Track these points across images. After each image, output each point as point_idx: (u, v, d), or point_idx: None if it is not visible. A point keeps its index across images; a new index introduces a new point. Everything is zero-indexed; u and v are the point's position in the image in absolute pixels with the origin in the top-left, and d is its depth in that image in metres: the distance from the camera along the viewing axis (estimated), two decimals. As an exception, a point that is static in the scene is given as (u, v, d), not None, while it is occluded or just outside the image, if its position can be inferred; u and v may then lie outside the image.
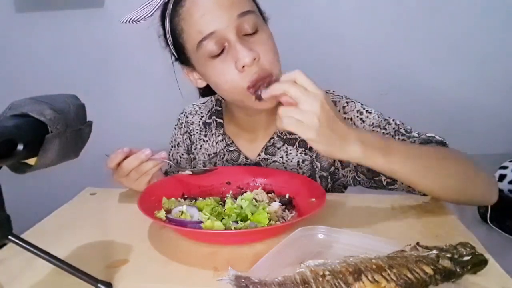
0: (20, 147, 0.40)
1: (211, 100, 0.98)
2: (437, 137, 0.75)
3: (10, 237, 0.43)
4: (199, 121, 0.97)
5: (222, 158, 0.91)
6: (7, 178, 0.44)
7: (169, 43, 0.79)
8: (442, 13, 1.99)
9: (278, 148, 0.87)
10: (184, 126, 0.99)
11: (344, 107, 0.84)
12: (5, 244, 0.43)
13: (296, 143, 0.87)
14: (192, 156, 0.98)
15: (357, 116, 0.82)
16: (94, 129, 0.52)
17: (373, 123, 0.80)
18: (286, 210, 0.70)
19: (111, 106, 2.19)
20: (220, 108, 0.94)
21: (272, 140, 0.87)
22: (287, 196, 0.74)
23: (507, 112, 2.08)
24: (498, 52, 2.00)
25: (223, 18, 0.69)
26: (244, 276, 0.43)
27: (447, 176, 0.68)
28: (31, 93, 0.49)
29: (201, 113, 0.97)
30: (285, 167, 0.87)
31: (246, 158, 0.89)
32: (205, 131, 0.95)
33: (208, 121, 0.95)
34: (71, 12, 2.14)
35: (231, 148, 0.90)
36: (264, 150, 0.88)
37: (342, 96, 0.87)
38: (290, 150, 0.87)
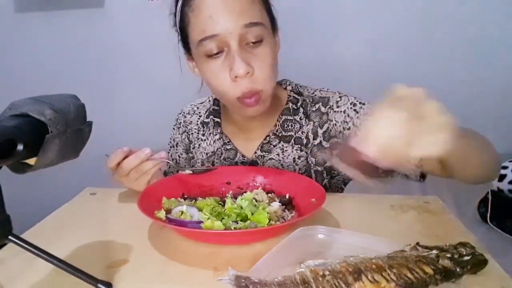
0: (20, 147, 0.40)
1: (209, 100, 0.99)
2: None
3: (10, 237, 0.43)
4: (197, 121, 0.97)
5: (220, 156, 0.92)
6: (7, 178, 0.44)
7: (177, 26, 0.80)
8: (442, 13, 1.99)
9: (274, 146, 0.88)
10: (183, 125, 0.99)
11: (337, 102, 0.85)
12: (5, 244, 0.43)
13: (292, 140, 0.87)
14: (190, 155, 0.98)
15: (351, 108, 0.83)
16: (94, 129, 0.52)
17: (367, 113, 0.80)
18: (286, 210, 0.70)
19: (111, 106, 2.18)
20: (217, 108, 0.95)
21: (268, 138, 0.88)
22: (287, 196, 0.74)
23: (507, 112, 2.08)
24: (498, 51, 2.00)
25: (229, 24, 0.70)
26: (244, 276, 0.43)
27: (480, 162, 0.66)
28: (31, 93, 0.49)
29: (199, 112, 0.98)
30: (281, 164, 0.87)
31: (243, 156, 0.90)
32: (203, 130, 0.96)
33: (206, 120, 0.96)
34: (71, 12, 2.13)
35: (228, 147, 0.91)
36: (260, 147, 0.88)
37: (335, 92, 0.88)
38: (286, 147, 0.87)
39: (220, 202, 0.72)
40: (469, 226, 0.66)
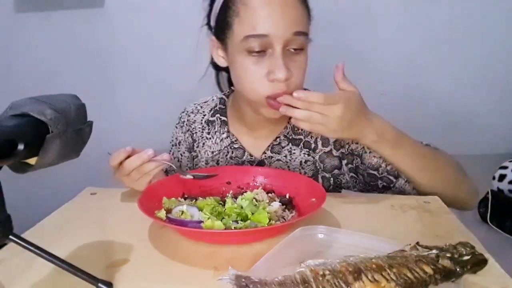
0: (20, 147, 0.40)
1: (213, 99, 0.99)
2: (431, 146, 0.84)
3: (10, 236, 0.43)
4: (201, 120, 0.97)
5: (226, 155, 0.92)
6: (7, 178, 0.44)
7: (213, 13, 0.80)
8: (443, 14, 1.99)
9: (283, 147, 0.89)
10: (186, 124, 0.99)
11: None
12: (5, 244, 0.43)
13: (301, 144, 0.89)
14: (194, 154, 0.99)
15: None
16: (94, 129, 0.52)
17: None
18: (286, 210, 0.70)
19: (111, 106, 2.19)
20: (224, 107, 0.95)
21: (278, 139, 0.89)
22: (287, 196, 0.74)
23: (507, 112, 2.08)
24: (498, 52, 2.00)
25: (281, 28, 0.72)
26: (244, 276, 0.43)
27: (440, 176, 0.79)
28: (31, 93, 0.49)
29: (203, 111, 0.98)
30: (288, 166, 0.88)
31: (251, 155, 0.90)
32: (208, 129, 0.96)
33: (211, 119, 0.96)
34: (71, 12, 2.14)
35: (236, 146, 0.91)
36: (270, 148, 0.89)
37: None
38: (294, 150, 0.89)
39: (221, 202, 0.72)
40: (469, 226, 0.66)
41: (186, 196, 0.77)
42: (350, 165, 0.88)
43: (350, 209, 0.74)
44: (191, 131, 0.98)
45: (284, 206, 0.70)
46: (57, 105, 0.45)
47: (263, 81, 0.74)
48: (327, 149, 0.89)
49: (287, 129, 0.89)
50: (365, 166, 0.84)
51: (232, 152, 0.91)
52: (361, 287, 0.42)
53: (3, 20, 2.19)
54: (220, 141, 0.93)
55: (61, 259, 0.45)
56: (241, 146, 0.91)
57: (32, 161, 0.43)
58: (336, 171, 0.89)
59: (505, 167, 1.69)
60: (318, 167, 0.89)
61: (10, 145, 0.39)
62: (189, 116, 0.99)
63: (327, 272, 0.43)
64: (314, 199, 0.67)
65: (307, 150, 0.89)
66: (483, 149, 2.12)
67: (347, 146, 0.87)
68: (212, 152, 0.94)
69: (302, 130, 0.89)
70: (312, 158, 0.89)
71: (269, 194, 0.74)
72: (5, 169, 0.42)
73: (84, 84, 2.13)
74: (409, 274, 0.43)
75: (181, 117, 1.01)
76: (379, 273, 0.43)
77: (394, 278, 0.43)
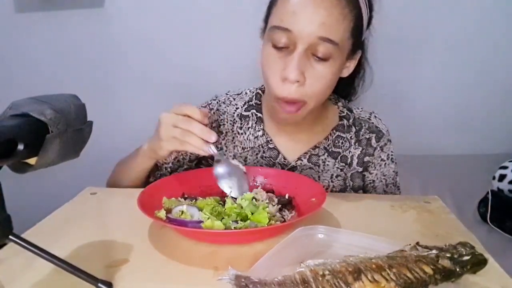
0: (20, 146, 0.40)
1: (246, 93, 0.95)
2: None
3: (10, 236, 0.43)
4: (234, 112, 0.92)
5: (257, 154, 0.89)
6: (7, 178, 0.44)
7: None
8: (443, 14, 1.99)
9: (319, 157, 0.88)
10: (215, 113, 0.94)
11: (385, 144, 0.89)
12: (5, 244, 0.43)
13: (339, 157, 0.88)
14: (217, 144, 0.94)
15: (383, 159, 0.89)
16: (94, 129, 0.52)
17: (386, 174, 0.90)
18: (285, 210, 0.70)
19: (111, 106, 2.18)
20: (259, 102, 0.91)
21: (317, 149, 0.87)
22: (286, 196, 0.74)
23: (506, 112, 2.08)
24: (498, 52, 2.00)
25: (306, 29, 0.68)
26: (244, 276, 0.43)
27: None
28: (31, 93, 0.49)
29: (236, 104, 0.93)
30: (319, 176, 0.88)
31: (285, 158, 0.88)
32: (241, 124, 0.91)
33: (245, 113, 0.91)
34: (71, 12, 2.13)
35: (271, 146, 0.88)
36: (308, 157, 0.87)
37: (387, 128, 0.91)
38: (329, 161, 0.87)
39: (220, 202, 0.72)
40: (469, 226, 0.66)
41: (186, 196, 0.77)
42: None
43: (350, 209, 0.74)
44: (219, 122, 0.93)
45: (280, 206, 0.70)
46: (57, 105, 0.45)
47: (277, 78, 0.72)
48: (360, 169, 0.89)
49: (328, 140, 0.88)
50: (372, 190, 0.91)
51: (264, 152, 0.88)
52: (361, 287, 0.42)
53: (3, 20, 2.19)
54: (254, 138, 0.89)
55: (61, 259, 0.45)
56: (275, 147, 0.88)
57: (32, 161, 0.43)
58: (360, 191, 0.91)
59: (505, 167, 1.69)
60: (348, 184, 0.89)
61: (10, 145, 0.39)
62: (220, 106, 0.94)
63: (326, 272, 0.43)
64: (314, 199, 0.68)
65: (343, 164, 0.88)
66: (483, 149, 2.11)
67: (369, 175, 0.90)
68: (243, 149, 0.90)
69: (342, 143, 0.88)
70: (344, 174, 0.88)
71: (268, 194, 0.74)
72: (5, 169, 0.42)
73: (84, 84, 2.13)
74: (409, 274, 0.43)
75: (210, 104, 0.94)
76: (379, 273, 0.43)
77: (394, 278, 0.43)
